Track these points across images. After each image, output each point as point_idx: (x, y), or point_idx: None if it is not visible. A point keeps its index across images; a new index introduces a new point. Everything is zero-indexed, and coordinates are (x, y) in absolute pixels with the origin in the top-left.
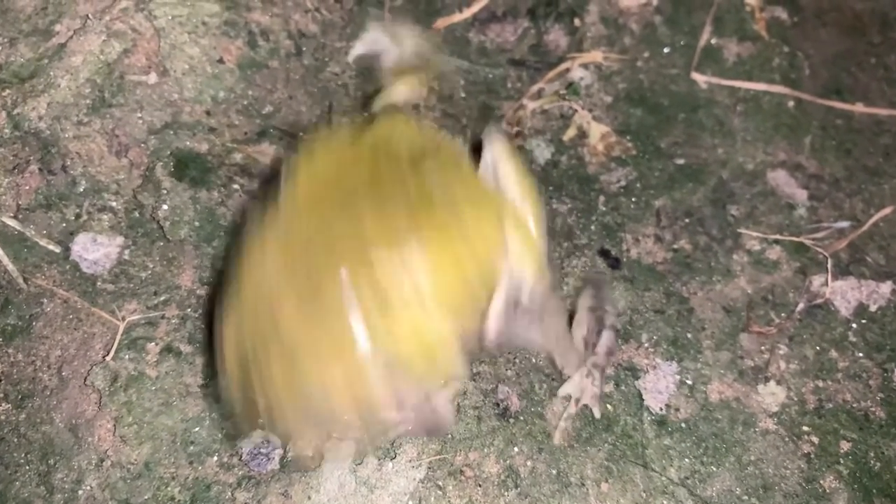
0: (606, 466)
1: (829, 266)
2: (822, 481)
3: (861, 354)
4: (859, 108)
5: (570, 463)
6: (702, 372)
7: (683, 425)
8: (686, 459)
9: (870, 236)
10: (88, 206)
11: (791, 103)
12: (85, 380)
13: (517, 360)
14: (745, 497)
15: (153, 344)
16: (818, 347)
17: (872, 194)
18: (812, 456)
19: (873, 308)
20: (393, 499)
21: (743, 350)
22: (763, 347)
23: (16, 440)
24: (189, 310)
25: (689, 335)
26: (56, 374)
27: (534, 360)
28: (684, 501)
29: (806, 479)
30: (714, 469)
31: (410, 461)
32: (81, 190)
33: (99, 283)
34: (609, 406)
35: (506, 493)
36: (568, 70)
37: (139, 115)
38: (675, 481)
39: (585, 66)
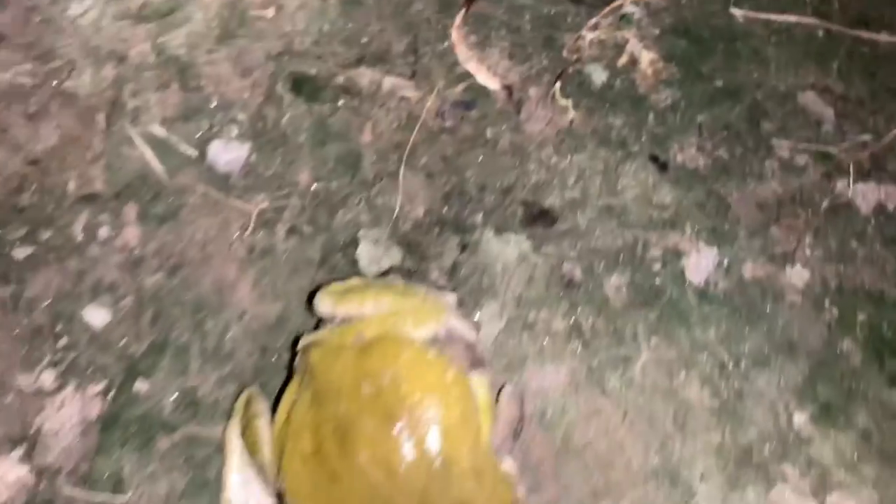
0: (655, 327)
1: (851, 171)
2: (840, 344)
3: (878, 245)
4: (884, 37)
5: (625, 322)
6: (737, 255)
7: (721, 296)
8: (723, 323)
9: (890, 148)
10: (220, 118)
11: (821, 33)
12: (229, 248)
13: (577, 244)
14: (774, 354)
15: (280, 224)
16: (840, 238)
17: (893, 112)
18: (832, 324)
19: (891, 207)
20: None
21: (773, 239)
22: (791, 237)
23: (171, 300)
24: (307, 200)
25: (726, 226)
26: (201, 250)
27: (592, 244)
28: (721, 355)
29: (826, 342)
30: (747, 331)
31: (493, 314)
32: (213, 105)
33: (231, 181)
34: (655, 280)
35: (571, 343)
36: (621, 6)
37: (259, 44)
38: (713, 340)
39: (636, 2)
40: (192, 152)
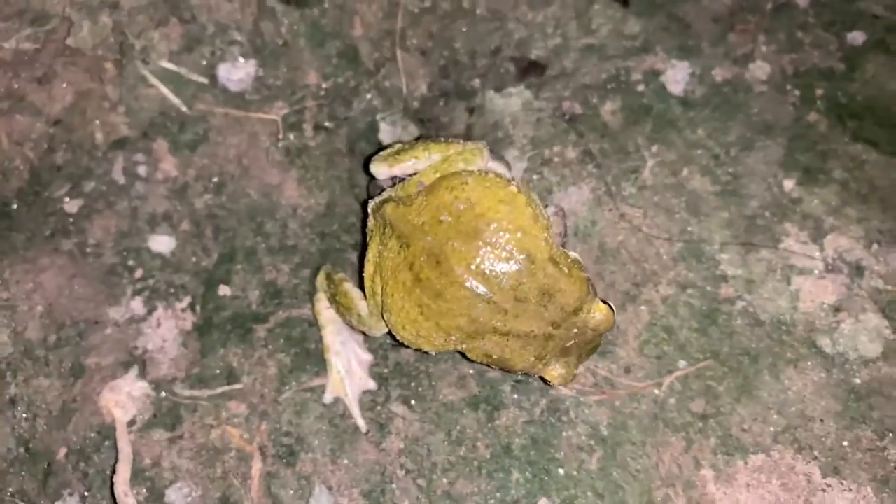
0: (652, 138)
1: None
2: (806, 118)
3: (819, 30)
4: None
5: (626, 139)
6: (706, 64)
7: (701, 101)
8: (708, 122)
9: None
10: (220, 42)
11: None
12: (267, 156)
13: (569, 84)
14: (755, 137)
15: (306, 125)
16: (788, 31)
17: None
18: (797, 103)
19: None
20: None
21: (732, 44)
22: (746, 39)
23: (225, 213)
24: (322, 98)
25: (690, 42)
26: (238, 164)
27: (582, 81)
28: (713, 149)
29: (795, 118)
30: (729, 124)
31: (515, 157)
32: (211, 32)
33: (247, 96)
34: (643, 99)
35: (585, 167)
36: None
37: None
38: (703, 137)
39: None
40: (204, 79)
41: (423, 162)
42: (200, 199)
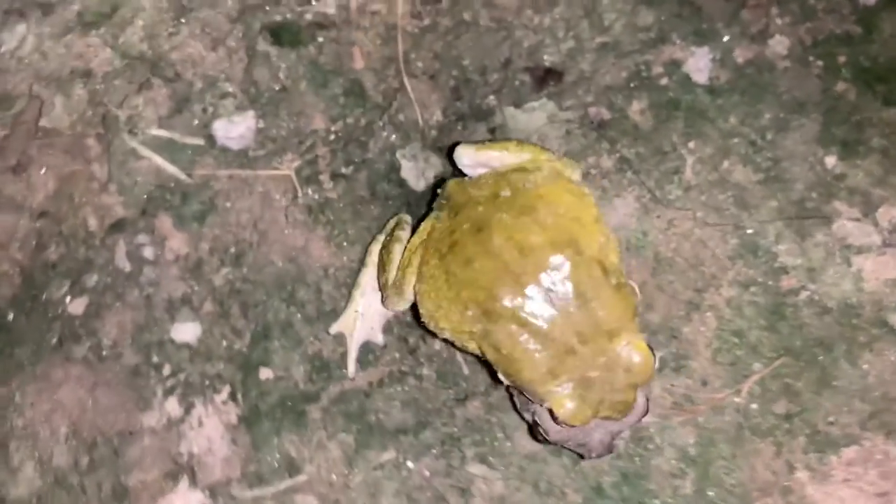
0: (686, 133)
1: None
2: (834, 88)
3: None
4: None
5: (660, 138)
6: (725, 46)
7: (727, 86)
8: (738, 108)
9: None
10: (210, 98)
11: None
12: (286, 217)
13: (591, 87)
14: (788, 116)
15: (322, 175)
16: (800, 1)
17: None
18: (821, 74)
19: None
20: None
21: (746, 22)
22: (760, 15)
23: (250, 287)
24: (333, 143)
25: (704, 26)
26: (254, 230)
27: (603, 82)
28: (748, 135)
29: (823, 90)
30: (760, 105)
31: None
32: (199, 87)
33: (251, 153)
34: (669, 93)
35: (625, 175)
36: None
37: (215, 11)
38: (736, 125)
39: None
40: (200, 141)
41: (512, 156)
42: (219, 274)
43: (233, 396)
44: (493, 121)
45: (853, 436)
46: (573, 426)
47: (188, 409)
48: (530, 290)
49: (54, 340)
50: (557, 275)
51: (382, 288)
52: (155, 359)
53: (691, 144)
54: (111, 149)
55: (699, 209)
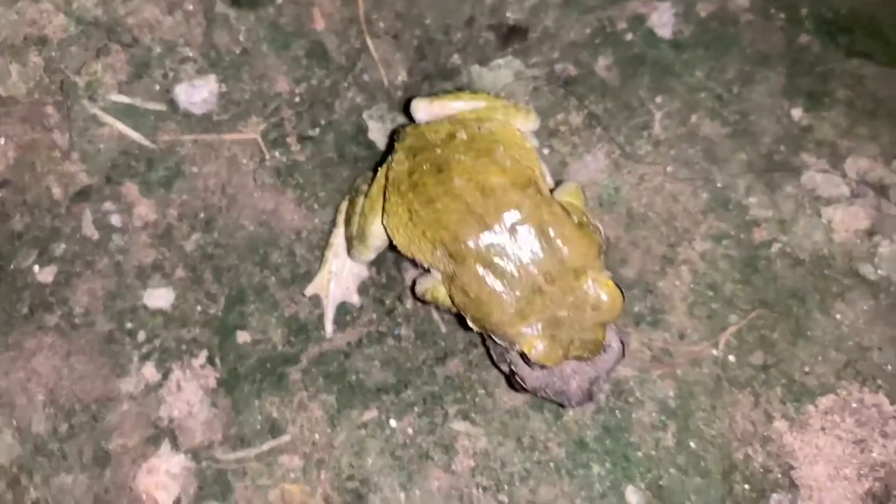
0: (653, 87)
1: None
2: (798, 40)
3: None
4: None
5: (628, 94)
6: (688, 1)
7: (691, 41)
8: (704, 62)
9: None
10: (170, 63)
11: None
12: (254, 181)
13: (556, 44)
14: (753, 69)
15: (289, 137)
16: None
17: None
18: (785, 26)
19: None
20: None
21: None
22: None
23: (221, 251)
24: (299, 105)
25: None
26: (223, 195)
27: (568, 39)
28: (715, 89)
29: (787, 42)
30: (725, 59)
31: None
32: (158, 52)
33: (215, 118)
34: (634, 49)
35: (594, 131)
36: None
37: None
38: (703, 79)
39: None
40: (162, 107)
41: (466, 104)
42: (189, 240)
43: (210, 361)
44: (458, 79)
45: (829, 385)
46: (546, 367)
47: (166, 374)
48: (494, 230)
49: (25, 310)
50: (519, 214)
51: (347, 241)
52: (129, 325)
53: (658, 99)
54: (71, 116)
55: (669, 164)
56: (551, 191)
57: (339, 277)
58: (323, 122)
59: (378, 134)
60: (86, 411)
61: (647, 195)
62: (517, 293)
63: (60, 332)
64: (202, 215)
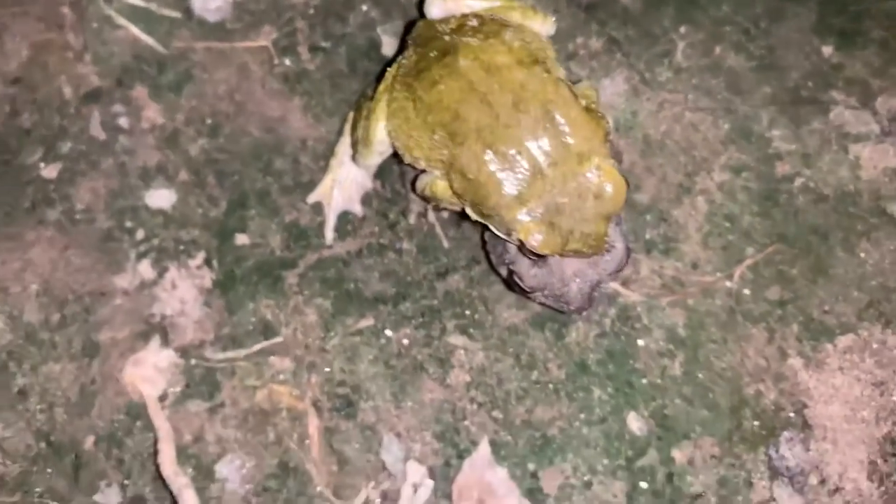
0: (677, 18)
1: None
2: None
3: None
4: None
5: (650, 22)
6: None
7: None
8: None
9: None
10: None
11: None
12: (263, 88)
13: None
14: (783, 4)
15: (300, 47)
16: None
17: None
18: None
19: None
20: None
21: None
22: None
23: (226, 156)
24: (312, 17)
25: None
26: (231, 101)
27: None
28: (742, 23)
29: None
30: None
31: None
32: None
33: (228, 26)
34: None
35: (614, 56)
36: None
37: None
38: (729, 13)
39: None
40: (177, 13)
41: (483, 2)
42: (195, 144)
43: (207, 262)
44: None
45: (849, 325)
46: (544, 258)
47: (161, 272)
48: (496, 108)
49: (27, 204)
50: (524, 92)
51: (353, 146)
52: (128, 224)
53: (682, 29)
54: (85, 17)
55: (690, 92)
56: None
57: (343, 185)
58: (336, 34)
59: (391, 49)
60: (79, 302)
61: (665, 122)
62: (517, 175)
63: (60, 226)
64: (209, 121)
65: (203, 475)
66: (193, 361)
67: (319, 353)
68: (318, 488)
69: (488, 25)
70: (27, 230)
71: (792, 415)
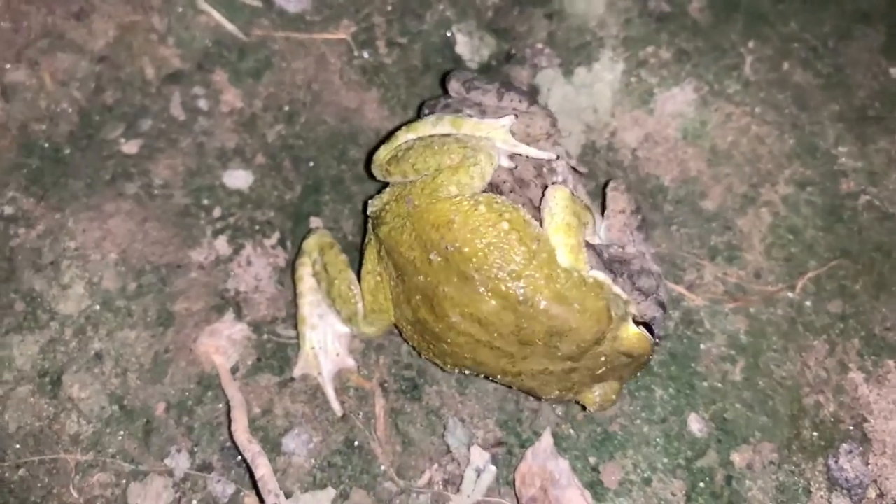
0: (746, 33)
1: None
2: None
3: None
4: None
5: (720, 36)
6: None
7: None
8: (799, 14)
9: None
10: None
11: None
12: (341, 79)
13: None
14: (851, 25)
15: (378, 41)
16: None
17: None
18: None
19: None
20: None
21: None
22: None
23: (302, 143)
24: (390, 13)
25: None
26: (308, 91)
27: None
28: (810, 41)
29: (888, 2)
30: (822, 14)
31: (609, 59)
32: None
33: (307, 17)
34: None
35: (683, 66)
36: None
37: None
38: (797, 30)
39: None
40: (258, 3)
41: (412, 177)
42: (272, 130)
43: (282, 242)
44: (550, 6)
45: None
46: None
47: (237, 249)
48: (506, 348)
49: (107, 177)
50: (525, 332)
51: (348, 322)
52: (205, 201)
53: (751, 44)
54: (171, 2)
55: (758, 105)
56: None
57: (325, 349)
58: (412, 31)
59: (465, 48)
60: (155, 273)
61: (732, 134)
62: (554, 379)
63: (139, 200)
64: (286, 108)
65: (270, 447)
66: (266, 336)
67: (388, 337)
68: (382, 467)
69: (454, 265)
70: (107, 202)
71: (851, 428)
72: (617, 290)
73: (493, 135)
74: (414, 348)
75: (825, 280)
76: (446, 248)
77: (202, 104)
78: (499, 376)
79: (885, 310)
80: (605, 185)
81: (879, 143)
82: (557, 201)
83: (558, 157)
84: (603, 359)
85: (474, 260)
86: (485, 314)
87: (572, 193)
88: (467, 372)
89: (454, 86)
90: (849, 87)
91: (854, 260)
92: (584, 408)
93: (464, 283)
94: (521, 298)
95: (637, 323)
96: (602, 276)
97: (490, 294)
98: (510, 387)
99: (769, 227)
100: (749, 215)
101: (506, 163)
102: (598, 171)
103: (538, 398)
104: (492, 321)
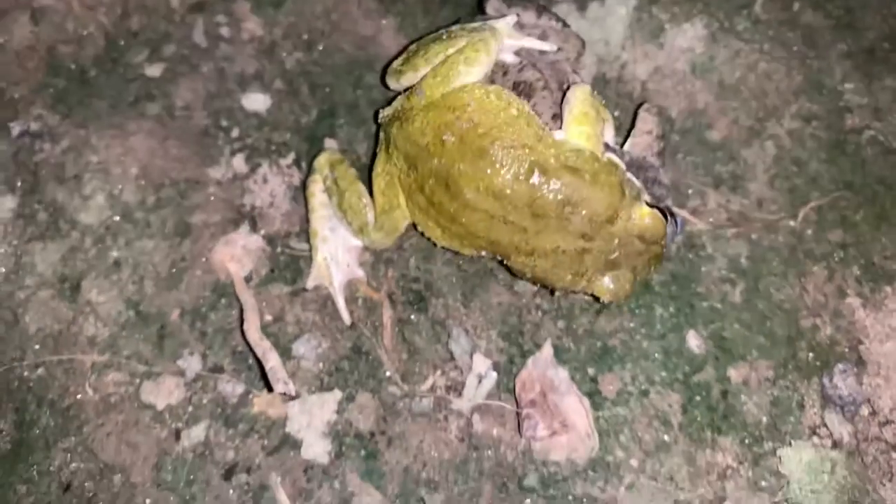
0: None
1: None
2: None
3: None
4: None
5: None
6: None
7: None
8: None
9: None
10: None
11: None
12: (358, 7)
13: None
14: None
15: None
16: None
17: None
18: None
19: None
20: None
21: None
22: None
23: (319, 70)
24: None
25: None
26: (327, 20)
27: None
28: None
29: None
30: None
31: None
32: None
33: None
34: None
35: (695, 4)
36: None
37: None
38: None
39: None
40: None
41: (424, 70)
42: (291, 57)
43: (297, 163)
44: None
45: None
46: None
47: (254, 168)
48: (520, 223)
49: (131, 98)
50: (539, 202)
51: (357, 234)
52: (224, 122)
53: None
54: None
55: (766, 43)
56: (560, 118)
57: (336, 260)
58: None
59: None
60: (174, 187)
61: (740, 69)
62: (566, 260)
63: (160, 120)
64: (305, 36)
65: (281, 352)
66: (279, 249)
67: (397, 251)
68: (388, 373)
69: (468, 142)
70: (129, 121)
71: (847, 350)
72: (630, 176)
73: (500, 27)
74: (428, 239)
75: (827, 210)
76: (462, 125)
77: (224, 31)
78: (512, 256)
79: (885, 240)
80: (639, 106)
81: (885, 81)
82: (577, 95)
83: (559, 49)
84: (616, 241)
85: (491, 132)
86: (499, 187)
87: (592, 91)
88: (483, 253)
89: (494, 3)
90: (858, 28)
91: (856, 192)
92: (596, 299)
93: (479, 157)
94: (538, 165)
95: (651, 206)
96: (616, 159)
97: (505, 166)
98: (523, 277)
99: (773, 159)
100: (754, 147)
101: (510, 58)
102: (608, 102)
103: (551, 290)
104: (506, 194)
